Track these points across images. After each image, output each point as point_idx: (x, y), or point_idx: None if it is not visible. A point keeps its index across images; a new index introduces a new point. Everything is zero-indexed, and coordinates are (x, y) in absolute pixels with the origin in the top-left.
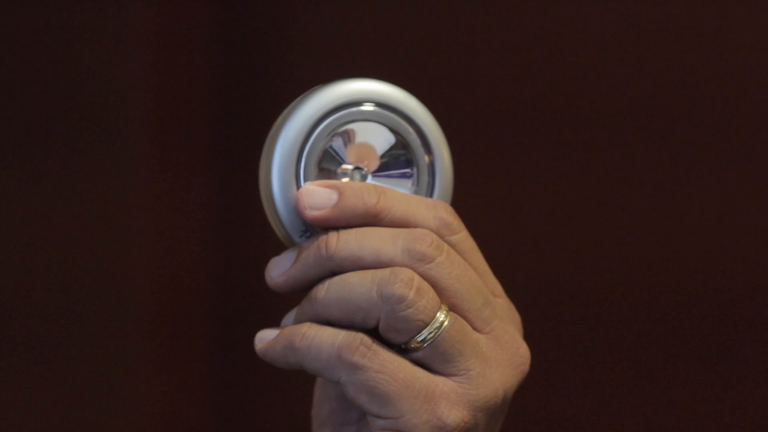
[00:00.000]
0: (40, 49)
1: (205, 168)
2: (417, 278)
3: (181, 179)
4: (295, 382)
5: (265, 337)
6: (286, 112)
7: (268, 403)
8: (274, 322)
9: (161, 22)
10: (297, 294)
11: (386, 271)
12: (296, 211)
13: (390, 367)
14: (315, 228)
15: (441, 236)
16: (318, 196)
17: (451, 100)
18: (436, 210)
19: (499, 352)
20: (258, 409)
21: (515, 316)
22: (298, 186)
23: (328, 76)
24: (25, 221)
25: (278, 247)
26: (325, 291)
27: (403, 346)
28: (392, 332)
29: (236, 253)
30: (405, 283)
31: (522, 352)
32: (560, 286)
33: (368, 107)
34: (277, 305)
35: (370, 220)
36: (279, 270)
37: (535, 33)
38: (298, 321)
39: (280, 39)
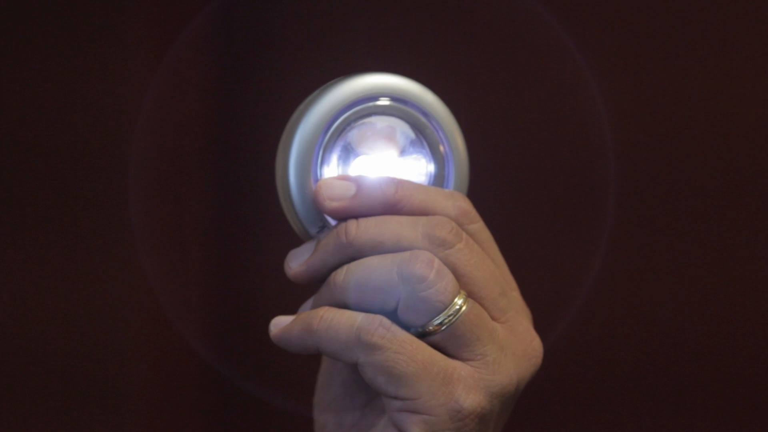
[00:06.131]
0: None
1: (204, 168)
2: (437, 261)
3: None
4: None
5: (280, 323)
6: (302, 106)
7: None
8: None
9: (160, 20)
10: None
11: (407, 253)
12: (313, 204)
13: (409, 348)
14: (332, 221)
15: (460, 225)
16: (336, 188)
17: (468, 94)
18: (454, 199)
19: (514, 342)
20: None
21: (528, 312)
22: (316, 180)
23: (328, 68)
24: None
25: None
26: (344, 275)
27: (420, 330)
28: (411, 313)
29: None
30: (426, 264)
31: (535, 345)
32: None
33: (385, 101)
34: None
35: (389, 210)
36: (298, 260)
37: (543, 31)
38: (316, 307)
39: (284, 32)
